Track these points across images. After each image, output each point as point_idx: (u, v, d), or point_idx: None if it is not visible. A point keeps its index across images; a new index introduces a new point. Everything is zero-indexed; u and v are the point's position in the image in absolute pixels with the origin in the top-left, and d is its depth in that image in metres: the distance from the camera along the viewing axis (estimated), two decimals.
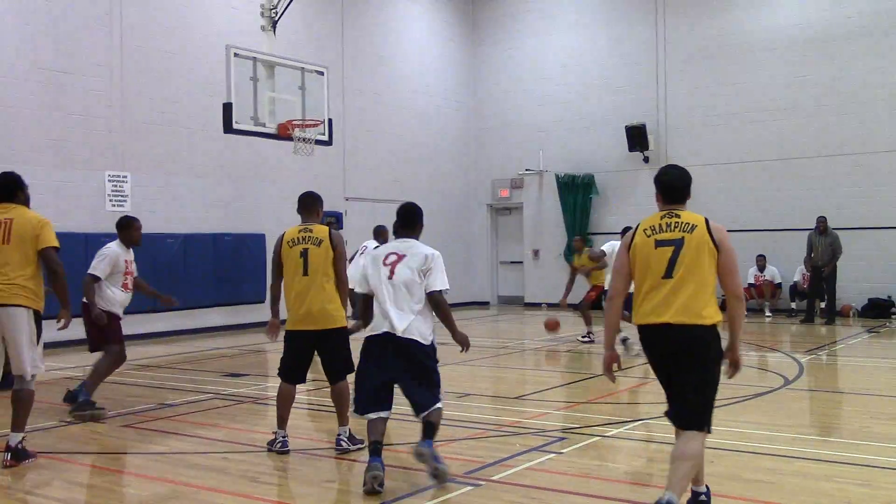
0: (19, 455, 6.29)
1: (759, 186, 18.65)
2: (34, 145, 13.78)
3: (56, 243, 6.42)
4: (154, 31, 15.43)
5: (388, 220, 8.27)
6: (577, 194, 20.97)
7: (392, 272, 5.86)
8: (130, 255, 8.54)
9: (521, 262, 22.19)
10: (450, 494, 5.41)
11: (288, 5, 13.86)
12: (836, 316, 16.36)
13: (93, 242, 11.97)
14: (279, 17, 13.88)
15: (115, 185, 14.84)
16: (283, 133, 13.20)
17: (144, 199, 15.17)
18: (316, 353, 6.72)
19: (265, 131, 13.18)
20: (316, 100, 13.97)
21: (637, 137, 19.81)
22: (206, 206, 16.17)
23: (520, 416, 7.81)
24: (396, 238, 6.23)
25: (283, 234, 6.83)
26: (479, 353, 12.68)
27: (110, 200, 14.75)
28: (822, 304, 16.66)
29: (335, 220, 14.63)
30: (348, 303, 6.93)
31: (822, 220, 16.40)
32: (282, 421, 6.65)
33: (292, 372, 6.69)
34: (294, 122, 13.22)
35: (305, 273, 6.55)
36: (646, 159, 20.04)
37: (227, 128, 12.73)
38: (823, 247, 16.27)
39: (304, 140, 13.49)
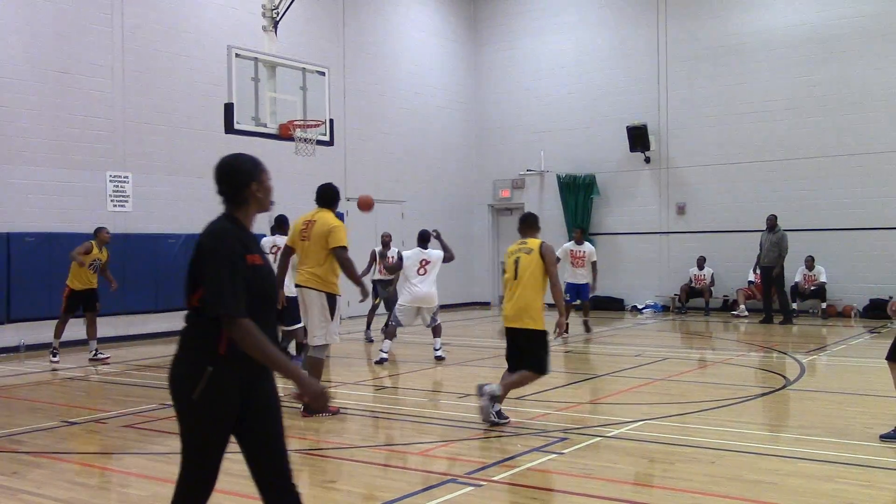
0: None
1: (758, 186, 18.64)
2: (36, 145, 13.78)
3: (342, 243, 7.77)
4: (155, 31, 15.43)
5: (390, 222, 8.26)
6: (578, 194, 20.97)
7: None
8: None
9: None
10: (451, 495, 5.41)
11: (289, 6, 13.84)
12: (791, 315, 16.48)
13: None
14: (280, 18, 13.86)
15: (117, 186, 14.84)
16: (284, 133, 13.19)
17: (145, 199, 15.18)
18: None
19: (266, 132, 13.15)
20: (317, 100, 13.94)
21: (638, 138, 19.80)
22: (208, 206, 16.07)
23: (521, 416, 7.80)
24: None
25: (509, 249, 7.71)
26: (480, 353, 12.68)
27: (112, 201, 14.76)
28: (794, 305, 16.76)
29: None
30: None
31: (770, 219, 16.51)
32: None
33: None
34: (295, 123, 13.20)
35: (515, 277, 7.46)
36: (647, 160, 20.04)
37: (229, 128, 12.71)
38: (769, 245, 16.32)
39: (305, 140, 13.47)
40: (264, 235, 12.44)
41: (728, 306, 18.78)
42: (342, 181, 18.81)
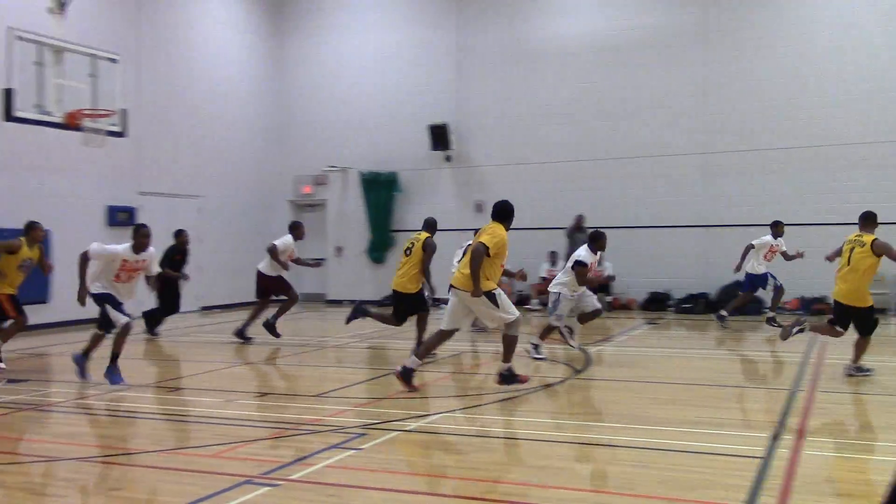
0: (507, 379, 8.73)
1: (552, 186, 19.57)
2: None
3: (486, 241, 8.52)
4: None
5: (186, 218, 8.00)
6: (380, 191, 21.15)
7: None
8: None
9: (324, 259, 22.12)
10: (247, 496, 5.32)
11: None
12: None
13: None
14: (69, 0, 13.07)
15: None
16: (71, 122, 12.47)
17: None
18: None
19: (51, 120, 12.39)
20: (109, 89, 13.29)
21: (439, 137, 20.24)
22: None
23: (320, 413, 7.78)
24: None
25: None
26: (280, 351, 12.53)
27: None
28: (609, 298, 17.73)
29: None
30: None
31: (577, 218, 17.45)
32: None
33: None
34: (84, 112, 12.51)
35: None
36: (448, 158, 20.52)
37: (8, 116, 11.87)
38: (575, 243, 17.31)
39: (94, 130, 12.78)
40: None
41: (523, 301, 19.56)
42: (135, 174, 17.98)
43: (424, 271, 10.84)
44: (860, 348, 9.59)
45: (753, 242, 14.37)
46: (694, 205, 18.57)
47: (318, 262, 15.38)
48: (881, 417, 7.77)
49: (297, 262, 14.00)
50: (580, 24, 19.63)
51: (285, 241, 13.51)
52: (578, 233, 17.52)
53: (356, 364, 11.61)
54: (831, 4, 17.82)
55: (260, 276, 13.55)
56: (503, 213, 8.87)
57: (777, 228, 14.49)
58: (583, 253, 10.94)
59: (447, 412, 7.88)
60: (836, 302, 9.71)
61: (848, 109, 17.46)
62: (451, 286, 8.80)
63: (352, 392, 9.00)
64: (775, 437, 6.60)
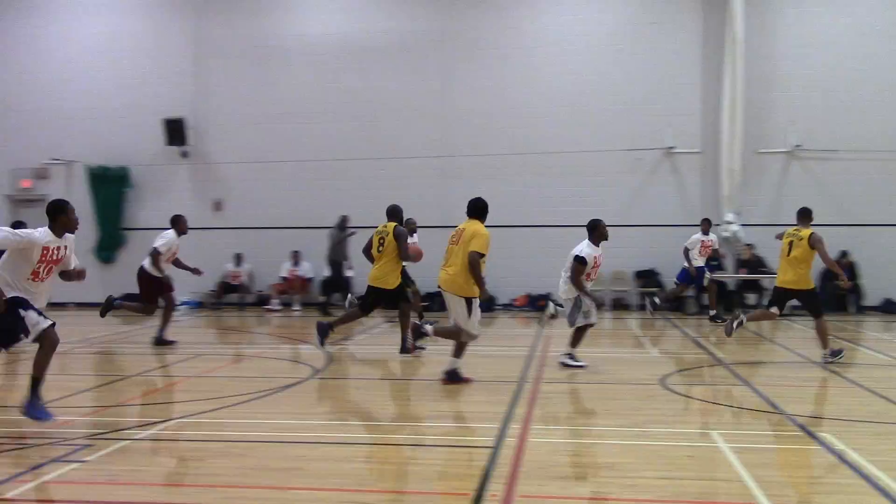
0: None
1: (295, 185, 19.44)
2: None
3: (478, 248, 8.88)
4: None
5: None
6: (109, 187, 19.97)
7: None
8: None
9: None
10: None
11: None
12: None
13: None
14: None
15: None
16: None
17: None
18: None
19: None
20: None
21: (175, 131, 19.45)
22: None
23: (40, 426, 7.20)
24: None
25: None
26: None
27: None
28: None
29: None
30: None
31: (341, 218, 17.63)
32: None
33: None
34: None
35: None
36: (184, 154, 19.76)
37: None
38: (340, 244, 17.48)
39: None
40: None
41: (263, 301, 19.27)
42: None
43: (404, 258, 11.02)
44: (822, 333, 10.59)
45: (686, 243, 15.72)
46: (435, 206, 19.20)
47: (198, 270, 12.88)
48: (599, 404, 8.44)
49: (177, 264, 12.55)
50: (326, 25, 19.69)
51: (168, 238, 12.27)
52: (340, 232, 17.53)
53: (83, 371, 10.88)
54: (559, 20, 19.18)
55: (141, 274, 12.24)
56: (480, 209, 9.29)
57: (705, 226, 15.88)
58: (584, 248, 10.25)
59: (184, 418, 7.59)
60: (776, 288, 10.91)
61: (579, 119, 18.90)
62: (439, 286, 9.29)
63: (77, 401, 8.42)
64: (504, 427, 6.98)
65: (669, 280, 18.62)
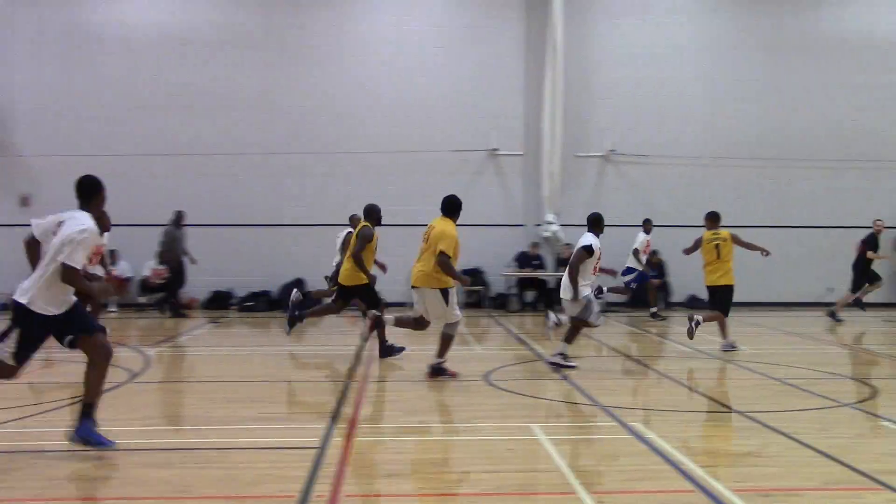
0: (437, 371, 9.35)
1: (113, 181, 18.34)
2: None
3: (445, 248, 9.00)
4: None
5: None
6: None
7: None
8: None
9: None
10: None
11: None
12: (183, 309, 17.10)
13: None
14: None
15: None
16: None
17: None
18: None
19: None
20: None
21: None
22: None
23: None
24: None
25: None
26: None
27: None
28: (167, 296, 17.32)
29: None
30: None
31: (176, 214, 17.06)
32: None
33: None
34: None
35: None
36: None
37: None
38: (174, 240, 16.87)
39: None
40: None
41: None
42: None
43: (354, 256, 10.66)
44: (722, 325, 11.68)
45: (636, 245, 16.12)
46: (258, 203, 18.84)
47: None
48: (425, 401, 8.55)
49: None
50: (145, 12, 18.87)
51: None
52: (176, 229, 16.84)
53: None
54: (387, 20, 19.28)
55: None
56: (452, 206, 9.51)
57: (647, 226, 16.36)
58: (590, 239, 10.07)
59: None
60: (711, 288, 11.96)
61: (407, 119, 19.07)
62: (413, 285, 9.41)
63: None
64: (331, 427, 6.95)
65: (495, 279, 19.17)
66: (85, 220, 6.08)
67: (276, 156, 18.88)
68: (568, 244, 18.87)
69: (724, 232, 12.01)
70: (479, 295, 19.05)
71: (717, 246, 11.89)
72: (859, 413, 7.78)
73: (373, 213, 11.12)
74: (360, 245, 10.68)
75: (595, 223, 10.32)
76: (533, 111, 19.38)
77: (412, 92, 19.19)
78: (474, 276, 19.14)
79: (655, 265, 18.56)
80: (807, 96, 19.79)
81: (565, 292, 10.18)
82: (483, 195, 19.25)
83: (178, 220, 17.05)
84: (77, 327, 6.07)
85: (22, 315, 5.90)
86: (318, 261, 16.44)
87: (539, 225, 19.24)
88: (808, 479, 5.72)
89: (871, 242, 16.57)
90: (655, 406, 8.24)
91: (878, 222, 16.75)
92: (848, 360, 12.05)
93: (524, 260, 19.02)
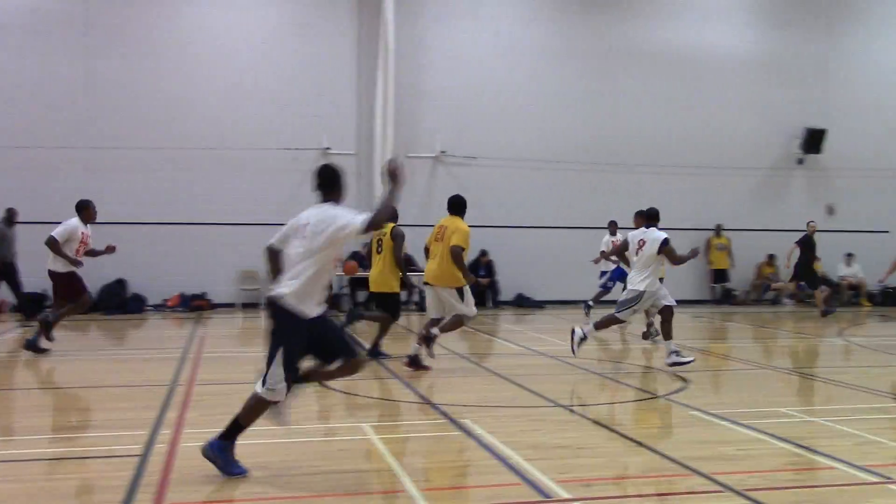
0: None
1: None
2: None
3: (459, 242, 9.88)
4: None
5: None
6: None
7: None
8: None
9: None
10: None
11: None
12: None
13: None
14: None
15: None
16: None
17: None
18: None
19: None
20: None
21: None
22: None
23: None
24: None
25: None
26: None
27: None
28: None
29: None
30: None
31: (7, 211, 16.10)
32: None
33: None
34: None
35: None
36: None
37: None
38: (3, 239, 15.87)
39: None
40: None
41: None
42: None
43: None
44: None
45: (602, 248, 16.14)
46: (69, 200, 17.82)
47: (112, 248, 11.46)
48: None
49: (92, 253, 11.29)
50: None
51: (69, 226, 10.96)
52: (8, 226, 15.69)
53: None
54: (216, 13, 18.76)
55: (51, 275, 11.04)
56: (459, 206, 10.24)
57: (612, 227, 16.35)
58: (661, 233, 10.29)
59: None
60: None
61: (237, 116, 18.60)
62: (426, 282, 10.18)
63: None
64: (154, 433, 6.68)
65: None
66: None
67: (93, 150, 17.92)
68: None
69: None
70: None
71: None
72: (672, 404, 8.26)
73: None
74: (398, 247, 10.58)
75: (654, 217, 10.61)
76: (365, 111, 19.38)
77: (240, 88, 18.75)
78: None
79: (485, 265, 19.01)
80: (632, 104, 20.75)
81: (644, 284, 10.26)
82: (315, 195, 19.04)
83: (9, 218, 15.99)
84: None
85: None
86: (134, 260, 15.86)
87: None
88: (626, 468, 6.03)
89: (807, 243, 17.49)
90: (485, 403, 8.44)
91: (812, 224, 17.81)
92: (663, 355, 12.76)
93: (359, 261, 18.97)
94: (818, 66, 21.81)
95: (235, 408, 8.21)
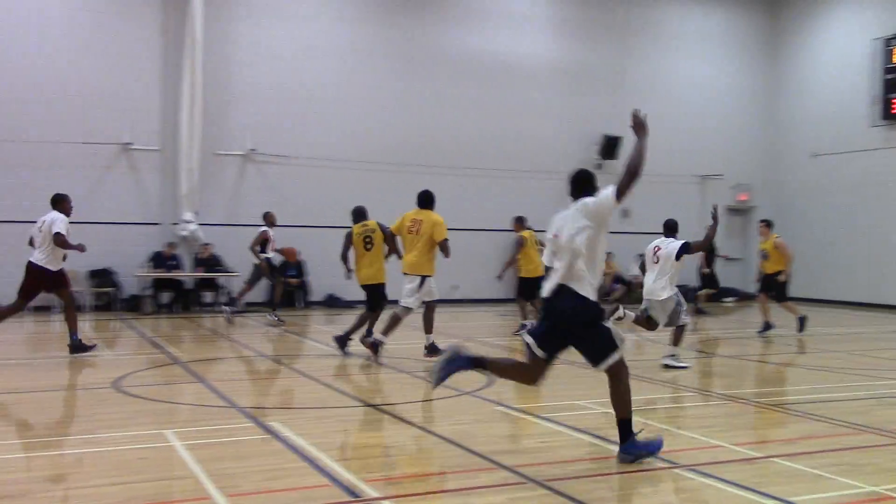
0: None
1: None
2: None
3: (445, 235, 10.83)
4: None
5: None
6: None
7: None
8: None
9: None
10: None
11: None
12: None
13: None
14: None
15: None
16: None
17: None
18: None
19: None
20: None
21: None
22: None
23: None
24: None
25: None
26: None
27: None
28: None
29: None
30: None
31: None
32: None
33: None
34: None
35: None
36: None
37: None
38: None
39: None
40: None
41: None
42: None
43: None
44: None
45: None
46: None
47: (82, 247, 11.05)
48: (47, 413, 7.87)
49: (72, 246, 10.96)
50: None
51: (65, 220, 10.87)
52: None
53: None
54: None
55: (42, 272, 10.86)
56: (430, 200, 10.99)
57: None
58: (677, 241, 10.55)
59: None
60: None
61: (30, 107, 17.40)
62: (404, 272, 10.92)
63: None
64: None
65: (127, 280, 18.17)
66: None
67: None
68: (207, 244, 18.46)
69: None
70: (109, 297, 17.95)
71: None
72: (478, 400, 8.50)
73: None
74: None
75: (673, 229, 10.89)
76: (171, 106, 18.65)
77: (32, 77, 17.56)
78: (104, 276, 18.04)
79: (295, 265, 18.80)
80: (441, 106, 21.11)
81: (661, 292, 10.42)
82: (115, 191, 18.20)
83: None
84: None
85: None
86: None
87: (176, 224, 18.57)
88: (432, 464, 6.15)
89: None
90: (293, 404, 8.35)
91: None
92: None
93: (160, 260, 18.25)
94: (615, 77, 23.08)
95: (27, 417, 7.71)
